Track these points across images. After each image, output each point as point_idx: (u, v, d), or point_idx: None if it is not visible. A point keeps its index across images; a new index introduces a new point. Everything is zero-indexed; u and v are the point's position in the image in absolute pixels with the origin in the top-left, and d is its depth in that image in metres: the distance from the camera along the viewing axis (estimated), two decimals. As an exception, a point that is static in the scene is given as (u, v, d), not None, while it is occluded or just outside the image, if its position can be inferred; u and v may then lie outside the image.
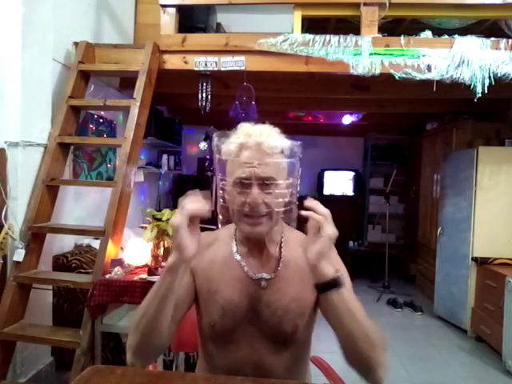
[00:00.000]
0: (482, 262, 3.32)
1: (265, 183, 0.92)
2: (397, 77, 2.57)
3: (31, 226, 2.26)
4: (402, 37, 2.60)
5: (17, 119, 2.25)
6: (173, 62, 2.77)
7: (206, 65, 2.72)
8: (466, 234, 3.47)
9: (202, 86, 2.95)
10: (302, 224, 0.90)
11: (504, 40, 2.56)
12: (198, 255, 1.03)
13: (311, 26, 3.46)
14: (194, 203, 0.83)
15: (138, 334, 0.89)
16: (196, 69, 2.74)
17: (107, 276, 2.13)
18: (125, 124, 2.56)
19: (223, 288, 0.99)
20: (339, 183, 5.99)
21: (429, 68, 2.57)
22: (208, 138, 4.88)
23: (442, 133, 4.45)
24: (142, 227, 2.59)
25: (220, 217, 0.99)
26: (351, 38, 2.57)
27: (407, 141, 5.88)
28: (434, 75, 2.56)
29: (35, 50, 2.34)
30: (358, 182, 5.97)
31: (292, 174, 0.95)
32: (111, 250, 2.23)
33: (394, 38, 2.61)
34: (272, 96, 3.66)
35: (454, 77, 2.54)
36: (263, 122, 0.99)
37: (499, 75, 2.53)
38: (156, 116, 3.98)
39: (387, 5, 2.61)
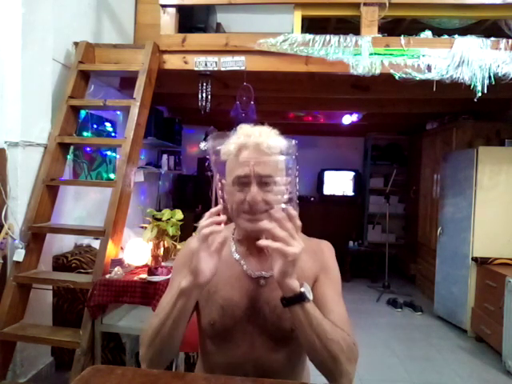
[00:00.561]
0: (482, 262, 3.32)
1: (264, 181, 0.93)
2: (397, 77, 2.57)
3: (31, 225, 2.26)
4: (402, 37, 2.60)
5: (17, 119, 2.25)
6: (173, 62, 2.77)
7: (206, 65, 2.72)
8: (466, 234, 3.47)
9: (202, 85, 2.95)
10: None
11: (504, 40, 2.56)
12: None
13: (311, 26, 3.46)
14: (209, 225, 0.85)
15: (153, 350, 0.93)
16: (196, 69, 2.74)
17: (107, 276, 2.12)
18: (125, 124, 2.56)
19: (222, 287, 1.01)
20: (339, 183, 5.99)
21: (429, 68, 2.57)
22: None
23: (441, 133, 4.45)
24: (142, 227, 2.59)
25: (220, 214, 1.00)
26: (351, 38, 2.57)
27: (407, 141, 5.88)
28: (434, 75, 2.56)
29: (35, 50, 2.34)
30: (358, 182, 5.97)
31: (290, 172, 0.97)
32: (111, 250, 2.23)
33: (393, 38, 2.61)
34: (272, 96, 3.66)
35: (454, 77, 2.54)
36: (262, 123, 1.01)
37: (499, 75, 2.53)
38: (156, 116, 3.98)
39: (387, 5, 2.61)
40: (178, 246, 2.32)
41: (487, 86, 2.52)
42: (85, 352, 2.03)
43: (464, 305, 3.49)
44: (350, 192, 5.98)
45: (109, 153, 3.40)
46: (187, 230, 2.34)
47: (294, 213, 0.85)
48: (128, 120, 2.47)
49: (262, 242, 0.84)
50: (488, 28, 3.36)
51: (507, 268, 3.12)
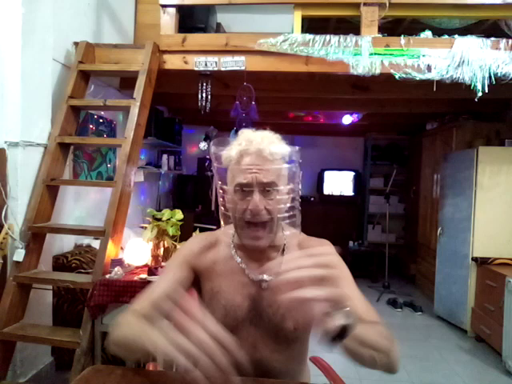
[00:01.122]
0: (482, 262, 3.32)
1: (266, 189, 0.92)
2: (397, 77, 2.57)
3: (31, 225, 2.26)
4: (402, 37, 2.60)
5: (17, 119, 2.25)
6: (173, 62, 2.77)
7: (206, 65, 2.72)
8: (466, 234, 3.47)
9: (202, 85, 2.94)
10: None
11: (504, 40, 2.56)
12: (200, 256, 1.05)
13: (311, 26, 3.46)
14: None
15: (122, 353, 0.93)
16: (196, 69, 2.74)
17: (107, 276, 2.13)
18: (125, 124, 2.56)
19: (225, 289, 1.01)
20: (339, 183, 5.99)
21: (429, 68, 2.57)
22: (208, 138, 4.88)
23: (441, 133, 4.44)
24: (142, 227, 2.60)
25: (222, 222, 1.01)
26: (351, 38, 2.57)
27: (407, 141, 5.87)
28: (434, 75, 2.56)
29: (35, 49, 2.34)
30: (358, 182, 5.97)
31: (293, 180, 0.96)
32: (111, 250, 2.23)
33: (393, 38, 2.61)
34: (272, 96, 3.66)
35: (454, 77, 2.54)
36: (264, 128, 1.00)
37: (499, 75, 2.53)
38: (156, 116, 3.98)
39: (387, 5, 2.61)
40: (178, 246, 2.32)
41: (487, 86, 2.52)
42: (85, 352, 2.03)
43: (464, 305, 3.48)
44: (350, 192, 5.97)
45: (109, 153, 3.40)
46: (187, 229, 2.34)
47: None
48: (128, 120, 2.47)
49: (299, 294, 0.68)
50: (488, 28, 3.36)
51: (507, 268, 3.12)
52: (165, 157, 4.56)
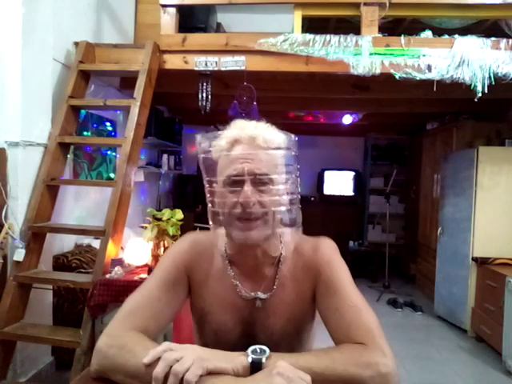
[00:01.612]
0: (482, 262, 3.31)
1: (259, 180, 0.82)
2: (397, 77, 2.57)
3: (31, 225, 2.26)
4: (402, 37, 2.60)
5: (17, 119, 2.25)
6: (173, 62, 2.77)
7: (206, 65, 2.72)
8: (466, 234, 3.47)
9: (202, 85, 2.94)
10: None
11: (504, 40, 2.56)
12: (195, 264, 0.94)
13: (311, 25, 3.45)
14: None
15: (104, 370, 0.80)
16: (196, 69, 2.74)
17: (107, 276, 2.13)
18: (125, 124, 2.56)
19: (216, 310, 0.93)
20: (339, 183, 5.99)
21: (429, 68, 2.57)
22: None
23: (441, 133, 4.44)
24: (142, 227, 2.59)
25: (210, 222, 0.90)
26: (351, 38, 2.57)
27: (407, 141, 5.88)
28: (434, 75, 2.56)
29: (35, 49, 2.34)
30: (358, 182, 5.97)
31: (289, 170, 0.86)
32: (111, 250, 2.23)
33: (394, 38, 2.61)
34: (272, 96, 3.66)
35: (454, 77, 2.54)
36: (263, 119, 0.92)
37: (499, 75, 2.53)
38: (156, 116, 3.98)
39: (387, 5, 2.61)
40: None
41: (487, 86, 2.52)
42: (85, 352, 2.03)
43: (464, 305, 3.48)
44: (350, 192, 5.98)
45: (109, 152, 3.40)
46: (187, 229, 2.34)
47: None
48: (128, 120, 2.47)
49: None
50: (488, 28, 3.36)
51: (507, 268, 3.12)
52: (165, 157, 4.56)
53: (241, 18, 3.79)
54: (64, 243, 2.73)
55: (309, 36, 2.59)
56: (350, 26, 3.20)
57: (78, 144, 2.79)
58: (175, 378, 0.66)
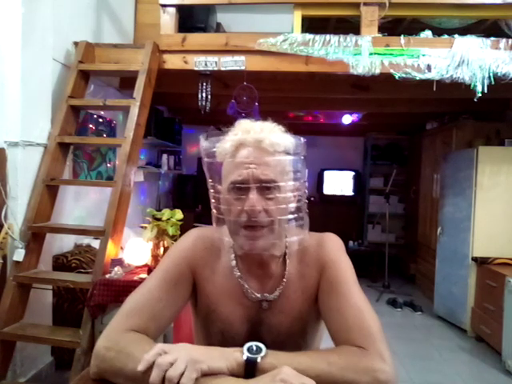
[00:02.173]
0: (481, 262, 3.32)
1: (265, 187, 0.79)
2: (397, 77, 2.57)
3: (31, 225, 2.26)
4: (401, 36, 2.60)
5: (17, 119, 2.25)
6: (173, 62, 2.77)
7: (205, 65, 2.72)
8: (466, 234, 3.47)
9: (202, 85, 2.94)
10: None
11: (504, 40, 2.56)
12: (200, 261, 0.93)
13: (311, 25, 3.46)
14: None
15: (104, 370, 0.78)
16: (196, 69, 2.74)
17: (107, 276, 2.13)
18: (125, 124, 2.56)
19: (222, 309, 0.91)
20: (339, 183, 5.99)
21: (429, 68, 2.57)
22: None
23: (441, 133, 4.44)
24: (142, 227, 2.59)
25: (214, 225, 0.89)
26: (351, 38, 2.57)
27: (407, 141, 5.88)
28: (434, 75, 2.56)
29: (35, 49, 2.34)
30: (358, 182, 5.97)
31: (297, 176, 0.83)
32: (111, 250, 2.23)
33: (393, 38, 2.61)
34: (272, 96, 3.65)
35: (454, 77, 2.54)
36: (265, 120, 0.89)
37: (499, 75, 2.53)
38: (156, 116, 3.98)
39: (387, 5, 2.61)
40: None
41: (487, 86, 2.52)
42: (85, 352, 2.03)
43: (464, 305, 3.48)
44: (349, 192, 5.98)
45: (108, 152, 3.40)
46: (187, 229, 2.33)
47: None
48: (128, 120, 2.47)
49: None
50: (488, 28, 3.36)
51: (507, 268, 3.12)
52: (165, 157, 4.56)
53: (241, 17, 3.78)
54: (64, 243, 2.73)
55: (308, 36, 2.59)
56: (349, 26, 3.20)
57: (78, 144, 2.78)
58: None
